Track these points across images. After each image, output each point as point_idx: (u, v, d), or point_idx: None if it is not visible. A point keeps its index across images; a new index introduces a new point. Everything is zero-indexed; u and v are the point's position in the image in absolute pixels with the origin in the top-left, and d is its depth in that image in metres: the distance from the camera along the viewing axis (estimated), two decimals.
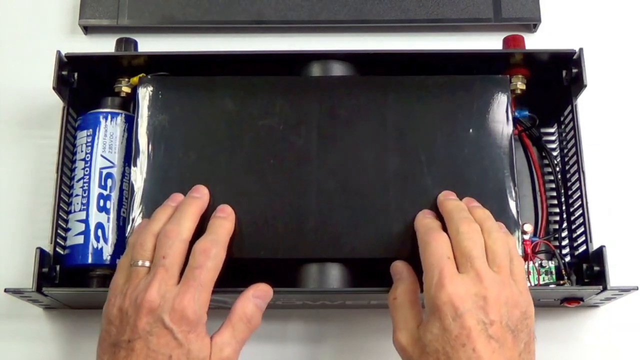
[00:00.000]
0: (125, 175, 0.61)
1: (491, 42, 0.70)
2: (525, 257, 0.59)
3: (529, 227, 0.61)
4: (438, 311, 0.48)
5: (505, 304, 0.48)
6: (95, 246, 0.59)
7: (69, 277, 0.59)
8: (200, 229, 0.54)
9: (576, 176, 0.61)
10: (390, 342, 0.51)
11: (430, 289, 0.49)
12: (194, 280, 0.50)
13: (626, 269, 0.62)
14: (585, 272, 0.58)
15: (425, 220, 0.55)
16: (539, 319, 0.52)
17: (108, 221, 0.60)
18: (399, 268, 0.54)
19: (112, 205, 0.60)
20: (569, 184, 0.63)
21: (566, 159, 0.64)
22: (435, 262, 0.50)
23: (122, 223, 0.60)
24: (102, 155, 0.61)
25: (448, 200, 0.56)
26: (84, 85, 0.63)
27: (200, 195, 0.56)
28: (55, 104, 0.63)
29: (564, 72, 0.62)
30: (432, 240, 0.51)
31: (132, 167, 0.58)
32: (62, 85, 0.61)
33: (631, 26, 0.74)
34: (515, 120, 0.63)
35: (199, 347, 0.49)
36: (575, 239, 0.62)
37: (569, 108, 0.63)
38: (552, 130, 0.67)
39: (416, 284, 0.53)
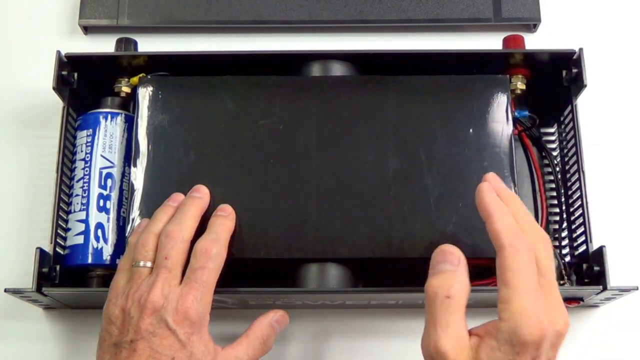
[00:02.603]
0: (125, 175, 0.61)
1: (491, 42, 0.70)
2: None
3: None
4: (520, 346, 0.42)
5: (563, 335, 0.45)
6: (95, 246, 0.59)
7: (69, 277, 0.59)
8: (201, 229, 0.54)
9: (576, 176, 0.61)
10: (390, 343, 0.51)
11: (520, 318, 0.42)
12: (196, 282, 0.50)
13: (626, 269, 0.62)
14: (585, 272, 0.58)
15: (503, 210, 0.46)
16: None
17: (108, 221, 0.60)
18: (456, 258, 0.46)
19: (112, 205, 0.60)
20: (569, 184, 0.63)
21: (566, 159, 0.64)
22: (529, 285, 0.43)
23: (122, 223, 0.60)
24: (102, 155, 0.61)
25: (500, 189, 0.49)
26: (84, 85, 0.63)
27: (201, 194, 0.56)
28: (55, 104, 0.63)
29: (564, 72, 0.62)
30: (524, 249, 0.44)
31: (132, 167, 0.58)
32: (62, 85, 0.61)
33: (631, 26, 0.74)
34: (515, 120, 0.63)
35: (202, 351, 0.49)
36: (575, 239, 0.62)
37: (569, 108, 0.63)
38: (552, 130, 0.66)
39: (469, 285, 0.45)
